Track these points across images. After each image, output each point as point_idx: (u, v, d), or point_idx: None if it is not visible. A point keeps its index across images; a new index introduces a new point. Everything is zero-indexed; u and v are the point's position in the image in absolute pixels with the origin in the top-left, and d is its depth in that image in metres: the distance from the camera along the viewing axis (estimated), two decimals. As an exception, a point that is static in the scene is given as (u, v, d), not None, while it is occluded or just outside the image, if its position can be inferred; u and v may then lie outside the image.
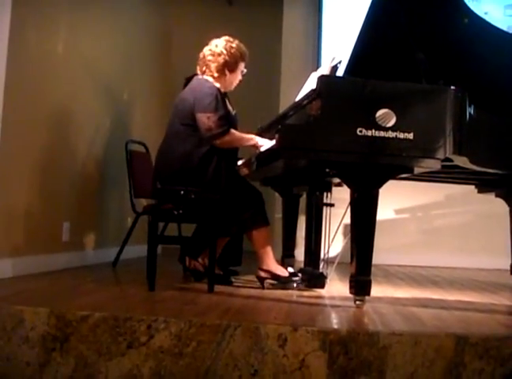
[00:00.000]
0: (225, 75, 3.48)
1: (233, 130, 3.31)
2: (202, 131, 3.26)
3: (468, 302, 3.21)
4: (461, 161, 2.93)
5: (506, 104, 3.60)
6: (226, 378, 2.18)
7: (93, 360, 2.22)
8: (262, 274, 3.31)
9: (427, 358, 2.14)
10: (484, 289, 3.87)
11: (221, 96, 3.35)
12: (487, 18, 3.66)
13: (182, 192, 3.17)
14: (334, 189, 3.39)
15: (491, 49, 3.59)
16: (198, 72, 3.51)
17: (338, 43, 5.29)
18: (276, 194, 4.27)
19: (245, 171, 3.54)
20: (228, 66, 3.47)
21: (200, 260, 3.50)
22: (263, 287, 3.28)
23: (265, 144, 3.24)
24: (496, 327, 2.44)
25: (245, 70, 3.57)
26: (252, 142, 3.34)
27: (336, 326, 2.31)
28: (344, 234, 3.81)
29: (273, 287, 3.28)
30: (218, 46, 3.48)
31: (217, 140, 3.26)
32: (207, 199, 3.20)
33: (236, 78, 3.55)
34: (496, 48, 3.61)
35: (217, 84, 3.42)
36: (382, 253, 5.10)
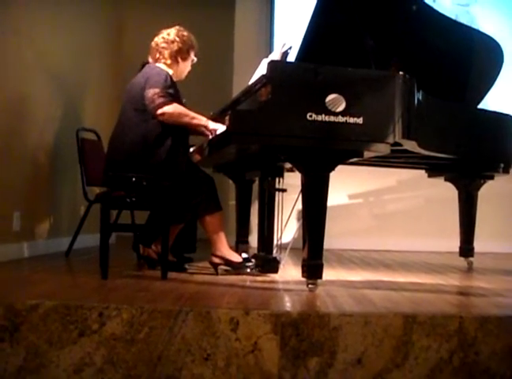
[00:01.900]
0: (177, 63, 3.47)
1: (177, 104, 3.28)
2: (147, 105, 3.23)
3: (419, 283, 3.28)
4: (410, 145, 2.99)
5: (453, 90, 3.69)
6: (179, 363, 2.19)
7: (44, 349, 2.20)
8: (216, 260, 3.32)
9: (376, 337, 2.19)
10: (434, 271, 3.96)
11: (172, 81, 3.33)
12: (436, 6, 3.72)
13: (133, 179, 3.15)
14: (286, 174, 3.41)
15: (439, 36, 3.65)
16: (151, 60, 3.49)
17: (291, 30, 5.31)
18: (230, 181, 4.28)
19: (197, 158, 3.54)
20: (181, 54, 3.47)
21: (153, 247, 3.48)
22: (217, 273, 3.29)
23: (218, 127, 3.23)
24: (443, 306, 2.50)
25: (195, 59, 3.57)
26: (202, 123, 3.27)
27: (288, 309, 2.33)
28: (298, 220, 3.84)
29: (227, 272, 3.30)
30: (170, 34, 3.47)
31: (160, 109, 3.19)
32: (159, 185, 3.19)
33: (187, 67, 3.55)
34: (444, 36, 3.68)
35: (170, 71, 3.41)
36: (336, 238, 5.19)
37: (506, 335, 2.22)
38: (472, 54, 3.82)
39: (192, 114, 3.28)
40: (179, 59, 3.47)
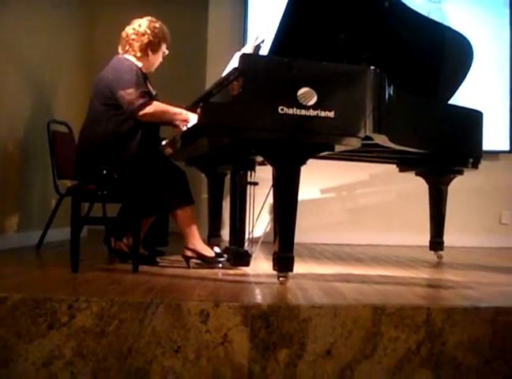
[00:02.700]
0: (148, 55, 3.44)
1: (157, 102, 3.27)
2: (125, 106, 3.20)
3: (389, 276, 3.32)
4: (381, 139, 3.02)
5: (425, 86, 3.72)
6: (149, 356, 2.19)
7: (13, 343, 2.18)
8: (188, 253, 3.32)
9: (345, 328, 2.21)
10: (405, 264, 4.00)
11: (142, 75, 3.31)
12: (408, 3, 3.75)
13: (104, 171, 3.13)
14: (258, 168, 3.42)
15: (411, 32, 3.69)
16: (120, 51, 3.46)
17: (264, 23, 5.30)
18: (202, 174, 4.27)
19: (169, 151, 3.53)
20: (151, 47, 3.44)
21: (125, 240, 3.47)
22: (189, 267, 3.29)
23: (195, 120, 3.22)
24: (412, 298, 2.53)
25: (166, 52, 3.54)
26: (181, 117, 3.24)
27: (258, 301, 2.34)
28: (270, 213, 3.85)
29: (199, 266, 3.30)
30: (141, 25, 3.43)
31: (141, 111, 3.18)
32: (130, 179, 3.18)
33: (158, 59, 3.52)
34: (416, 32, 3.71)
35: (139, 64, 3.39)
36: (309, 232, 5.22)
37: (472, 326, 2.25)
38: (443, 51, 3.87)
39: (173, 109, 3.27)
40: (149, 52, 3.44)
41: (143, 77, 3.33)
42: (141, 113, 3.19)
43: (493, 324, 2.27)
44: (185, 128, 3.19)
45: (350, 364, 2.22)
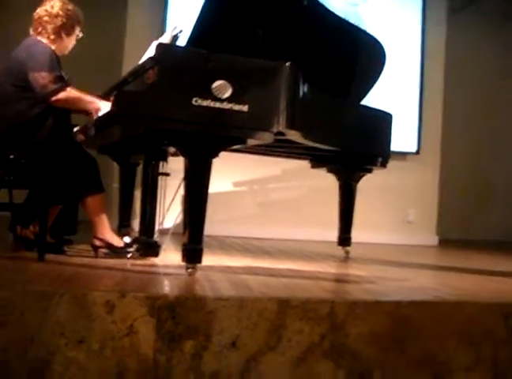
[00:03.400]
0: (61, 38, 3.36)
1: (71, 88, 3.19)
2: (38, 90, 3.11)
3: (296, 270, 3.38)
4: (294, 135, 3.06)
5: (339, 86, 3.81)
6: (52, 346, 2.14)
7: None
8: (97, 242, 3.26)
9: (251, 321, 2.23)
10: (313, 258, 4.10)
11: (56, 58, 3.23)
12: (327, 4, 3.82)
13: (11, 156, 3.04)
14: (171, 159, 3.40)
15: (328, 33, 3.75)
16: (32, 32, 3.36)
17: (185, 12, 5.28)
18: (115, 163, 4.20)
19: (81, 138, 3.44)
20: (65, 29, 3.36)
21: (31, 228, 3.38)
22: (96, 256, 3.24)
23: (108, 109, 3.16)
24: (317, 291, 2.60)
25: (80, 34, 3.47)
26: (95, 106, 3.17)
27: (165, 292, 2.34)
28: (181, 205, 3.83)
29: (107, 255, 3.25)
30: (54, 7, 3.34)
31: (54, 97, 3.10)
32: (39, 164, 3.09)
33: (71, 42, 3.44)
34: (333, 33, 3.78)
35: (52, 46, 3.30)
36: (220, 225, 5.24)
37: (373, 319, 2.34)
38: (357, 53, 3.96)
39: (86, 97, 3.20)
40: (63, 35, 3.35)
41: (57, 61, 3.24)
42: (54, 98, 3.11)
43: (393, 317, 2.36)
44: (98, 115, 3.13)
45: (255, 355, 2.24)
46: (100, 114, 3.12)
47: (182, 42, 3.19)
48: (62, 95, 3.12)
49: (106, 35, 5.76)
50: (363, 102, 4.23)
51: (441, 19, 6.48)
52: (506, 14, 7.14)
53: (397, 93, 6.18)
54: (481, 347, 2.45)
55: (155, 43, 3.23)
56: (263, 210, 5.89)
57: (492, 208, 7.49)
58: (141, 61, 3.34)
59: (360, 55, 3.98)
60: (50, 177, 3.09)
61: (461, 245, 6.26)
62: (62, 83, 3.14)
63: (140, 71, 3.05)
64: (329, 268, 3.60)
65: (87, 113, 3.26)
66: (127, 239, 3.38)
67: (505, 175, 7.47)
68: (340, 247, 4.29)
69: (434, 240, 6.36)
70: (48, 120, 3.18)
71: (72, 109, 3.25)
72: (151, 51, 3.22)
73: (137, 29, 5.70)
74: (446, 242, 6.38)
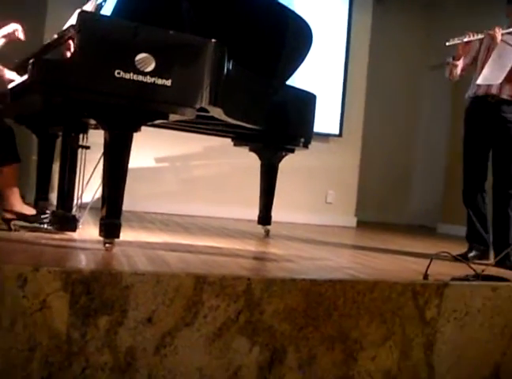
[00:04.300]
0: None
1: None
2: None
3: (215, 247, 3.39)
4: (216, 112, 3.05)
5: (264, 65, 3.81)
6: (-41, 321, 2.07)
7: None
8: (8, 215, 3.15)
9: (167, 296, 2.23)
10: (233, 236, 4.11)
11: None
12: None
13: None
14: (92, 132, 3.32)
15: (256, 11, 3.74)
16: None
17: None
18: (33, 134, 4.07)
19: (-4, 105, 3.32)
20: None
21: None
22: (10, 229, 3.14)
23: (14, 78, 3.05)
24: (235, 268, 2.62)
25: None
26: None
27: (80, 267, 2.29)
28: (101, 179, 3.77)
29: (22, 228, 3.15)
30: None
31: None
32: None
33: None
34: (260, 11, 3.76)
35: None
36: (140, 201, 5.19)
37: (289, 296, 2.38)
38: (285, 33, 3.97)
39: None
40: None
41: None
42: None
43: (307, 295, 2.41)
44: (13, 84, 3.02)
45: (171, 331, 2.24)
46: (17, 81, 3.01)
47: (106, 11, 3.10)
48: None
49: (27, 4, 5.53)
50: (288, 82, 4.25)
51: (367, 4, 6.58)
52: (430, 1, 7.35)
53: (322, 76, 6.24)
54: (391, 324, 2.54)
55: (77, 12, 3.13)
56: (185, 187, 5.86)
57: (409, 193, 7.74)
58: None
59: (287, 35, 3.98)
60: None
61: (378, 228, 6.45)
62: None
63: (61, 40, 2.96)
64: (248, 246, 3.64)
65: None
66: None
67: (422, 162, 7.72)
68: (260, 226, 4.33)
69: (352, 221, 6.52)
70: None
71: None
72: (73, 19, 3.12)
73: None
74: (364, 224, 6.56)
